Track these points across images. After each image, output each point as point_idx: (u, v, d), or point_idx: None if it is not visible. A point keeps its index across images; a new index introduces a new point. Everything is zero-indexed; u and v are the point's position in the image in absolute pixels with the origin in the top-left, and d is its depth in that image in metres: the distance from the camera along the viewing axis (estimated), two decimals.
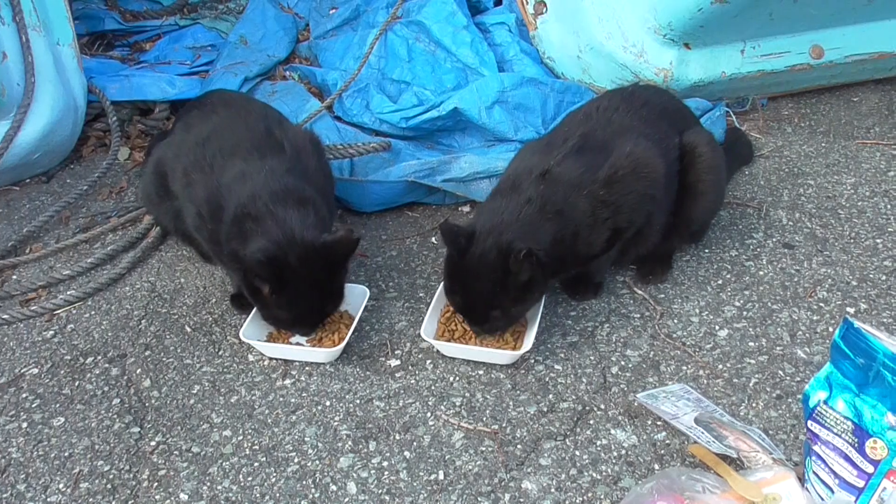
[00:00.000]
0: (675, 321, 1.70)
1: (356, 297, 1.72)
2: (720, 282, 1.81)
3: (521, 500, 1.33)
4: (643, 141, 1.64)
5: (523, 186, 1.56)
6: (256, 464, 1.42)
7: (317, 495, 1.36)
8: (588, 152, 1.62)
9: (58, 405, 1.56)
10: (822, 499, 1.20)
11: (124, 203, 2.22)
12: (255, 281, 1.49)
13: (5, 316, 1.79)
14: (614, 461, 1.38)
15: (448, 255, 1.55)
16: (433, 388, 1.55)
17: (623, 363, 1.59)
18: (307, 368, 1.62)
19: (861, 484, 1.15)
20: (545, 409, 1.49)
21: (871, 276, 1.78)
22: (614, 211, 1.58)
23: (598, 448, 1.41)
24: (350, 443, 1.44)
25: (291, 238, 1.49)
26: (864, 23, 2.37)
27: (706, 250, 1.91)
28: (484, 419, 1.48)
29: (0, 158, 2.17)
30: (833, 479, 1.18)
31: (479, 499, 1.33)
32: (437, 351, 1.63)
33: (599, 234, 1.59)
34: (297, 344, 1.64)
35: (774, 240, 1.93)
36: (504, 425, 1.46)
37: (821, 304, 1.71)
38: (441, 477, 1.37)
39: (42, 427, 1.51)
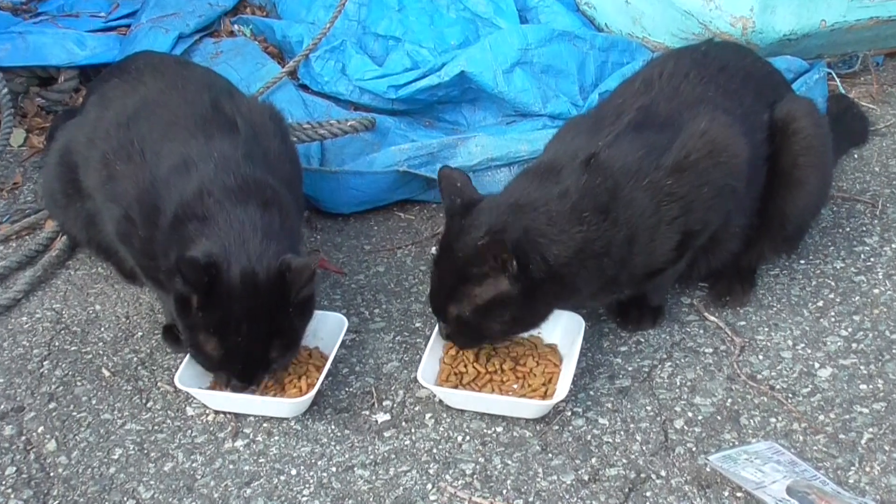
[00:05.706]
0: (761, 357, 1.71)
1: (330, 329, 1.73)
2: (821, 304, 1.82)
3: None
4: (721, 115, 1.66)
5: (563, 174, 1.59)
6: None
7: None
8: (649, 130, 1.64)
9: None
10: None
11: (19, 204, 2.24)
12: (183, 286, 1.49)
13: None
14: None
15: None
16: (435, 450, 1.57)
17: (690, 415, 1.60)
18: (266, 425, 1.63)
19: None
20: (586, 478, 1.50)
21: None
22: (685, 207, 1.60)
23: None
24: None
25: (243, 246, 1.51)
26: None
27: (801, 261, 1.92)
28: (504, 492, 1.49)
29: None
30: None
31: None
32: (441, 401, 1.64)
33: (666, 238, 1.61)
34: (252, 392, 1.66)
35: (894, 246, 1.95)
36: (531, 499, 1.47)
37: None
38: None
39: None
